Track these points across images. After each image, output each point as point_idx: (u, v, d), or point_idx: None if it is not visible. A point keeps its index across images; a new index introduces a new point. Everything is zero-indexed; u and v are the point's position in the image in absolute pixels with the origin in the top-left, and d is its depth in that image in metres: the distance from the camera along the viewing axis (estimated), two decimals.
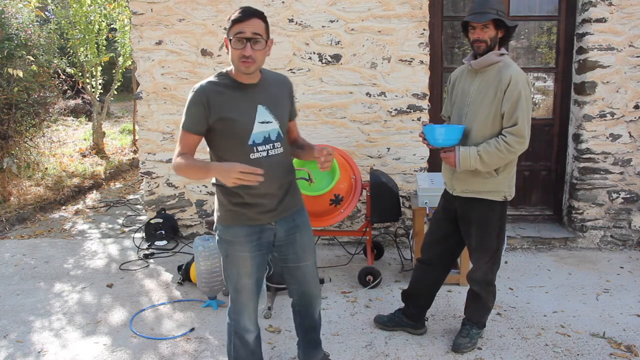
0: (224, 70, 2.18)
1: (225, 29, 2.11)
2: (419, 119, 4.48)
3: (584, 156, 4.44)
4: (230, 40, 2.03)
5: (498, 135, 2.58)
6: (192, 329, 3.18)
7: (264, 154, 2.14)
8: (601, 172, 4.45)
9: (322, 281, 3.68)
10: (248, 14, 2.01)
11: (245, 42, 2.00)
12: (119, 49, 8.87)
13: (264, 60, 2.12)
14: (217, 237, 2.29)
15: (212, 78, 2.15)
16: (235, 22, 2.01)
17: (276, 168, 2.18)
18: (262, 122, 2.12)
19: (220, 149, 2.16)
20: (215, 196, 2.27)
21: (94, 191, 6.93)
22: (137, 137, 7.25)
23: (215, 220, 2.28)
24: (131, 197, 6.65)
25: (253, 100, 2.13)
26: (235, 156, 2.10)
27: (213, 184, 2.24)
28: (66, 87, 8.16)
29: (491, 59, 2.59)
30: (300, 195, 2.41)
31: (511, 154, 2.56)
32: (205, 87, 2.10)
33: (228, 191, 2.16)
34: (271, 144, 2.15)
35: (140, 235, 4.91)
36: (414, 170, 4.56)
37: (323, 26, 4.40)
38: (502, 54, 2.60)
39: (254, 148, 2.12)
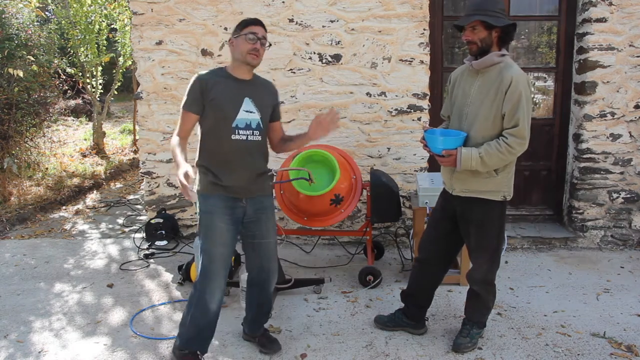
0: (223, 67, 2.64)
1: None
2: (419, 119, 4.48)
3: (585, 156, 4.44)
4: (242, 36, 2.50)
5: (498, 136, 2.59)
6: None
7: (244, 137, 2.56)
8: (601, 172, 4.45)
9: (322, 281, 3.68)
10: (259, 21, 2.55)
11: (257, 40, 2.50)
12: (119, 49, 8.87)
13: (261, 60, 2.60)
14: (198, 211, 2.61)
15: (212, 69, 2.61)
16: (249, 24, 2.52)
17: (252, 151, 2.60)
18: (247, 111, 2.56)
19: (209, 128, 2.56)
20: (197, 175, 2.63)
21: (94, 191, 6.93)
22: (137, 137, 7.24)
23: (197, 191, 2.61)
24: (131, 197, 6.65)
25: (243, 92, 2.56)
26: (219, 135, 2.53)
27: (197, 164, 2.63)
28: (66, 87, 8.15)
29: (492, 60, 2.58)
30: (271, 186, 2.81)
31: (512, 155, 2.56)
32: (205, 74, 2.55)
33: (209, 168, 2.58)
34: (251, 131, 2.57)
35: (140, 235, 4.91)
36: (414, 170, 4.56)
37: (323, 26, 4.40)
38: (503, 55, 2.59)
39: (236, 131, 2.54)
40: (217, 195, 2.57)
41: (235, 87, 2.55)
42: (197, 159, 2.64)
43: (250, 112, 2.56)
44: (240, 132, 2.54)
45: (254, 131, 2.58)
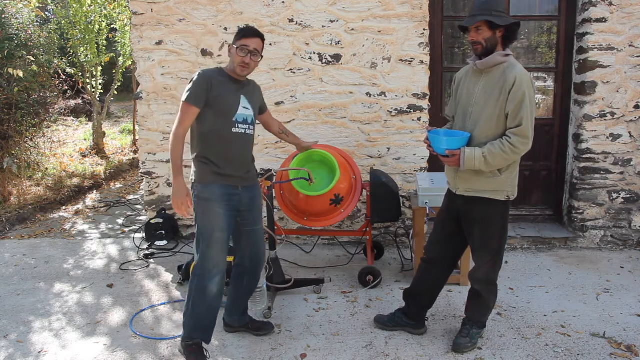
0: (221, 67, 2.84)
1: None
2: (419, 119, 4.48)
3: (584, 156, 4.44)
4: (236, 47, 2.70)
5: (502, 136, 2.59)
6: None
7: (242, 130, 2.78)
8: (601, 172, 4.45)
9: (322, 281, 3.68)
10: (253, 33, 2.73)
11: (247, 53, 2.69)
12: (119, 49, 8.87)
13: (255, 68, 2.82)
14: (194, 198, 2.72)
15: (212, 69, 2.81)
16: (243, 35, 2.71)
17: (247, 143, 2.84)
18: (244, 107, 2.79)
19: (209, 122, 2.71)
20: (193, 165, 2.77)
21: (94, 191, 6.93)
22: (137, 137, 7.25)
23: (193, 181, 2.75)
24: (131, 197, 6.65)
25: (239, 91, 2.79)
26: (221, 129, 2.71)
27: (196, 157, 2.75)
28: (66, 87, 8.14)
29: (496, 60, 2.59)
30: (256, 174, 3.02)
31: (515, 154, 2.57)
32: (210, 72, 2.75)
33: (210, 159, 2.72)
34: (247, 125, 2.81)
35: (140, 235, 4.91)
36: (414, 170, 4.56)
37: (323, 26, 4.40)
38: (507, 55, 2.60)
39: (236, 124, 2.75)
40: (216, 184, 2.71)
41: (234, 87, 2.76)
42: (195, 152, 2.76)
43: (247, 108, 2.80)
44: (240, 125, 2.76)
45: (250, 125, 2.82)
